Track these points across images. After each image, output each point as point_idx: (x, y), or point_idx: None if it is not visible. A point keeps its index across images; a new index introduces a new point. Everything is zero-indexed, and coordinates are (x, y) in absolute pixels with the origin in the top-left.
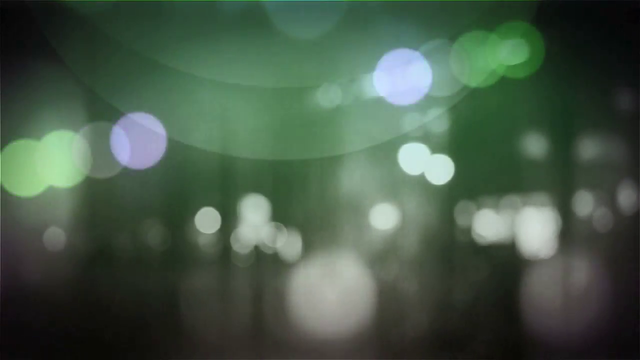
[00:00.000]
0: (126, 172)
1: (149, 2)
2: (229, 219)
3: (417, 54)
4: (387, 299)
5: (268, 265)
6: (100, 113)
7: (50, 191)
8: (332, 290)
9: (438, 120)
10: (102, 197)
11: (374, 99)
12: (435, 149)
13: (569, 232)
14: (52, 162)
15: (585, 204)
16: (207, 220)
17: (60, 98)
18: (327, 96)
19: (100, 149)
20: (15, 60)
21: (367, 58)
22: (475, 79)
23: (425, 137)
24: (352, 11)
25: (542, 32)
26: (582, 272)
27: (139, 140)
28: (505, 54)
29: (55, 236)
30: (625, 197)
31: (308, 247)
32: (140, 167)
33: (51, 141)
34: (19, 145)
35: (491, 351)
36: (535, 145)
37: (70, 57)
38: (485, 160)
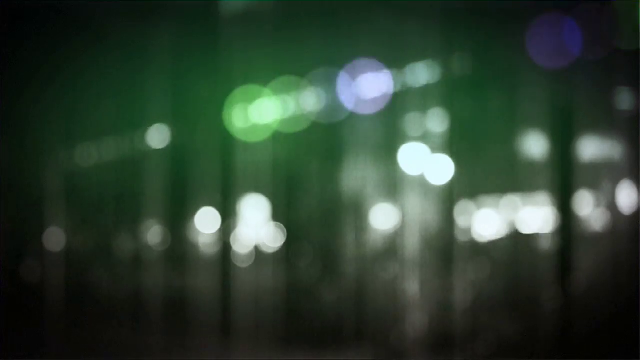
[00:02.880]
0: (353, 116)
1: None
2: (229, 219)
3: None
4: (387, 299)
5: (268, 265)
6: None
7: (277, 136)
8: (332, 290)
9: (438, 120)
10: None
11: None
12: (435, 149)
13: (569, 232)
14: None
15: (585, 204)
16: (207, 220)
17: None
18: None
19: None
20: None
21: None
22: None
23: (425, 137)
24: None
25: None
26: (582, 272)
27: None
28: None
29: (55, 236)
30: (625, 197)
31: (308, 247)
32: (366, 112)
33: (277, 87)
34: (245, 91)
35: (491, 351)
36: (535, 145)
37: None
38: (485, 160)
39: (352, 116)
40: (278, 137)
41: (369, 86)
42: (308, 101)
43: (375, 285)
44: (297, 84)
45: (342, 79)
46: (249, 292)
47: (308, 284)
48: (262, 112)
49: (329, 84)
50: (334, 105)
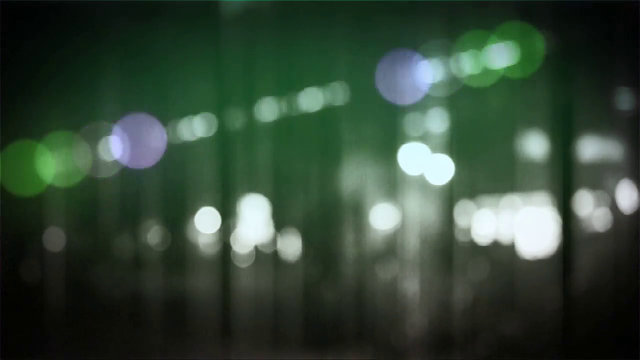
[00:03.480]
0: (126, 172)
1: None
2: (229, 219)
3: (416, 53)
4: (387, 299)
5: (268, 265)
6: (100, 113)
7: (51, 191)
8: (332, 290)
9: (438, 120)
10: (103, 196)
11: (373, 98)
12: (435, 149)
13: (569, 232)
14: (52, 162)
15: (585, 204)
16: (207, 220)
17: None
18: (326, 96)
19: (100, 149)
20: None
21: (367, 58)
22: (476, 79)
23: (425, 137)
24: (350, 11)
25: (541, 33)
26: (582, 272)
27: (139, 141)
28: (505, 54)
29: (55, 236)
30: (625, 197)
31: (308, 247)
32: (139, 167)
33: (51, 141)
34: (19, 146)
35: (491, 351)
36: (535, 145)
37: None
38: (485, 160)
39: (352, 116)
40: (278, 137)
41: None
42: (307, 100)
43: (375, 285)
44: (297, 84)
45: (342, 78)
46: (249, 292)
47: (308, 284)
48: (262, 112)
49: (329, 84)
50: (333, 105)
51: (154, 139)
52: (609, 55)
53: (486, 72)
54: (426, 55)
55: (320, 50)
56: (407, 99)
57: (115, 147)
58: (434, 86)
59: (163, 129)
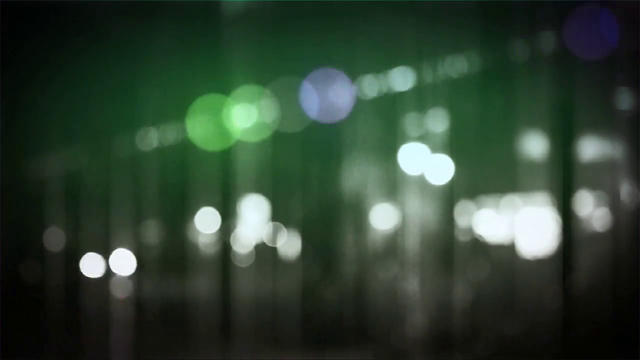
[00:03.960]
0: (315, 125)
1: None
2: (229, 219)
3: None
4: (387, 299)
5: (268, 265)
6: (101, 113)
7: (239, 145)
8: (331, 290)
9: (438, 120)
10: (291, 151)
11: (373, 98)
12: (435, 149)
13: (569, 232)
14: (241, 117)
15: (585, 204)
16: (207, 220)
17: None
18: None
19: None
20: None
21: (367, 58)
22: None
23: (425, 137)
24: (351, 11)
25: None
26: (582, 272)
27: (328, 95)
28: None
29: (55, 236)
30: (625, 197)
31: (308, 247)
32: (329, 121)
33: (239, 96)
34: (207, 100)
35: (491, 351)
36: (535, 145)
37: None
38: (485, 160)
39: (352, 116)
40: (278, 137)
41: (367, 86)
42: (307, 101)
43: (375, 285)
44: (297, 84)
45: (341, 79)
46: (249, 292)
47: (308, 283)
48: (262, 112)
49: (328, 83)
50: (332, 105)
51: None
52: (609, 55)
53: None
54: (427, 54)
55: (320, 50)
56: None
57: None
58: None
59: (163, 129)
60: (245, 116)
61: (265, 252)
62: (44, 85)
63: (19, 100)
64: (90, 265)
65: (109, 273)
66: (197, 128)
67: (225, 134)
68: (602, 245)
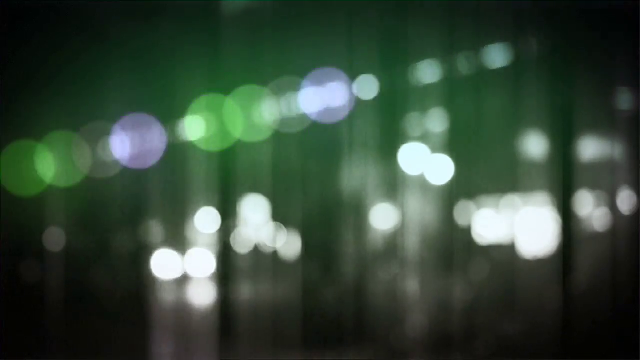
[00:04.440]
0: (126, 172)
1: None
2: (229, 219)
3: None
4: (387, 299)
5: (268, 265)
6: (100, 113)
7: (51, 190)
8: (331, 290)
9: (438, 120)
10: (102, 196)
11: (373, 98)
12: (435, 149)
13: (569, 232)
14: (52, 162)
15: (585, 204)
16: (207, 220)
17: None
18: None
19: (100, 149)
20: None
21: (367, 57)
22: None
23: (425, 137)
24: (351, 10)
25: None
26: (582, 272)
27: (139, 141)
28: None
29: (55, 236)
30: (625, 197)
31: (308, 247)
32: (140, 167)
33: (51, 141)
34: (19, 146)
35: (491, 351)
36: (535, 145)
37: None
38: (485, 160)
39: (352, 116)
40: (278, 137)
41: (367, 87)
42: (307, 101)
43: (375, 285)
44: (297, 84)
45: (341, 78)
46: (249, 292)
47: (308, 284)
48: (262, 112)
49: (329, 83)
50: (333, 105)
51: (154, 139)
52: (609, 55)
53: None
54: (426, 54)
55: (320, 50)
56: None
57: (115, 147)
58: None
59: (163, 129)
60: (245, 116)
61: (265, 253)
62: (44, 86)
63: (19, 100)
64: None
65: (108, 273)
66: (198, 128)
67: (225, 134)
68: (602, 245)
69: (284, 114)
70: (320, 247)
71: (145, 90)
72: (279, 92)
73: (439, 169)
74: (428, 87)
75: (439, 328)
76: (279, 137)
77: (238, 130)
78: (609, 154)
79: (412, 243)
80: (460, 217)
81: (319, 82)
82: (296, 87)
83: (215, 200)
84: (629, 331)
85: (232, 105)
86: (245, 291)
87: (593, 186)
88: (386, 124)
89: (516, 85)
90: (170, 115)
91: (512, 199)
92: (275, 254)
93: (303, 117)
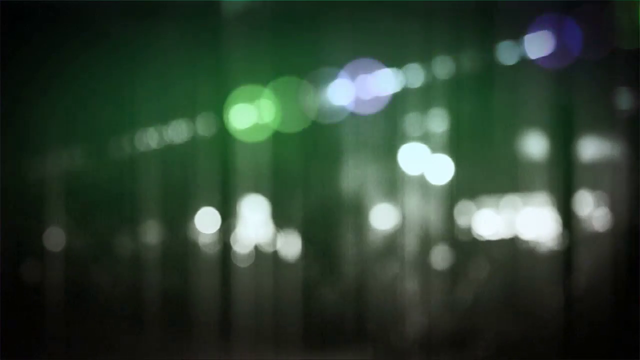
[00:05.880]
0: (353, 116)
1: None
2: (229, 219)
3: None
4: (387, 299)
5: (268, 265)
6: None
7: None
8: (332, 290)
9: (438, 120)
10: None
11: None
12: (435, 149)
13: (569, 232)
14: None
15: (585, 204)
16: (207, 220)
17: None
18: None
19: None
20: (16, 61)
21: (367, 57)
22: None
23: (425, 137)
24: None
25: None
26: (582, 272)
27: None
28: None
29: (55, 236)
30: (625, 197)
31: (308, 247)
32: (366, 112)
33: (277, 87)
34: (244, 91)
35: (491, 351)
36: (535, 145)
37: (68, 56)
38: (485, 160)
39: (352, 116)
40: (278, 137)
41: (368, 86)
42: (308, 101)
43: (375, 285)
44: (297, 84)
45: (342, 78)
46: (249, 292)
47: (308, 284)
48: (262, 112)
49: (329, 83)
50: (334, 105)
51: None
52: (609, 55)
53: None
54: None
55: (320, 50)
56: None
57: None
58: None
59: (161, 129)
60: (245, 116)
61: (265, 252)
62: (44, 85)
63: (19, 100)
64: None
65: (108, 273)
66: (199, 128)
67: (227, 134)
68: (602, 245)
69: (284, 113)
70: (320, 247)
71: (145, 90)
72: (279, 91)
73: (439, 169)
74: (428, 87)
75: (439, 328)
76: (279, 136)
77: (239, 130)
78: (609, 154)
79: (412, 243)
80: (460, 217)
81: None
82: (296, 87)
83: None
84: (629, 331)
85: (270, 97)
86: (245, 291)
87: (593, 186)
88: (387, 124)
89: (516, 85)
90: (170, 116)
91: (512, 199)
92: (275, 254)
93: (303, 117)
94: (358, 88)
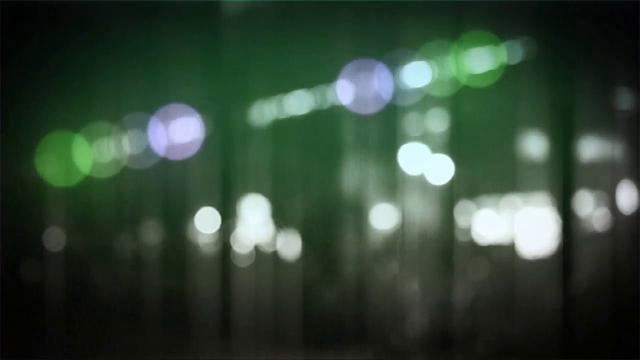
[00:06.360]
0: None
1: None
2: (229, 219)
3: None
4: (387, 299)
5: (268, 265)
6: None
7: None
8: (332, 290)
9: (438, 120)
10: (98, 197)
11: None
12: (435, 149)
13: (569, 232)
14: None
15: (585, 204)
16: (207, 220)
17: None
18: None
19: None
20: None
21: (367, 58)
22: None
23: (425, 137)
24: (351, 10)
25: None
26: (582, 272)
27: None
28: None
29: (55, 236)
30: (625, 197)
31: (308, 247)
32: (178, 159)
33: (88, 133)
34: (55, 138)
35: (491, 351)
36: (535, 145)
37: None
38: (485, 160)
39: (352, 116)
40: (278, 137)
41: (368, 86)
42: (307, 100)
43: (375, 285)
44: (297, 84)
45: (342, 78)
46: (249, 292)
47: (308, 284)
48: (262, 112)
49: (330, 84)
50: (333, 105)
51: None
52: (609, 55)
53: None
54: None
55: (320, 50)
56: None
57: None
58: (431, 86)
59: (164, 129)
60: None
61: (265, 252)
62: (44, 85)
63: (19, 100)
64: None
65: (108, 273)
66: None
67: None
68: (602, 246)
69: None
70: (320, 247)
71: (145, 90)
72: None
73: (439, 169)
74: (428, 87)
75: (439, 328)
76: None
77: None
78: (609, 154)
79: (412, 243)
80: (460, 217)
81: (356, 72)
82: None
83: (215, 201)
84: (629, 331)
85: (230, 105)
86: (244, 291)
87: (593, 186)
88: (387, 124)
89: (516, 85)
90: (169, 115)
91: (512, 199)
92: (275, 254)
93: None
94: (359, 88)
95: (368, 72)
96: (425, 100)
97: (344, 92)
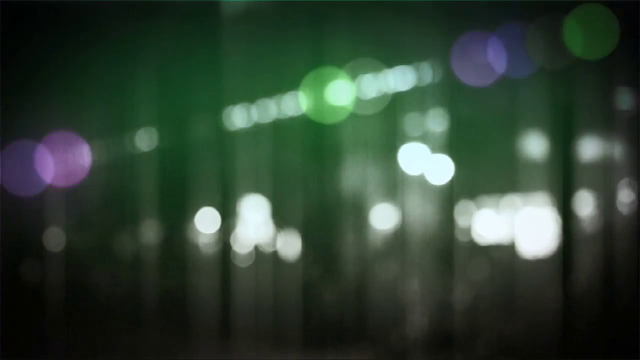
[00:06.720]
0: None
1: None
2: (229, 219)
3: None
4: (387, 299)
5: (268, 265)
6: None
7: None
8: (332, 290)
9: (438, 120)
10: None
11: (373, 98)
12: (435, 149)
13: (569, 232)
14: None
15: (585, 204)
16: (207, 220)
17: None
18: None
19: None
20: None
21: (367, 58)
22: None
23: (425, 137)
24: (351, 10)
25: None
26: (582, 272)
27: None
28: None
29: (55, 236)
30: (625, 197)
31: (308, 247)
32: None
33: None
34: (246, 91)
35: (491, 351)
36: (535, 145)
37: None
38: (485, 160)
39: (352, 116)
40: (278, 137)
41: (369, 86)
42: (307, 100)
43: (375, 285)
44: (297, 84)
45: (343, 78)
46: (249, 292)
47: (308, 284)
48: (261, 112)
49: (330, 84)
50: (333, 105)
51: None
52: (609, 55)
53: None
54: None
55: (320, 50)
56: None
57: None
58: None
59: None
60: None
61: (265, 252)
62: (44, 85)
63: (19, 100)
64: None
65: (108, 273)
66: (201, 128)
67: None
68: (602, 246)
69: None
70: (320, 247)
71: (144, 90)
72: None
73: (439, 169)
74: (428, 87)
75: (439, 328)
76: (279, 132)
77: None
78: (609, 154)
79: (412, 243)
80: (460, 217)
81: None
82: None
83: (215, 201)
84: (629, 331)
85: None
86: (244, 291)
87: (593, 186)
88: (387, 124)
89: (516, 85)
90: (172, 115)
91: (512, 199)
92: (275, 254)
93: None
94: (359, 88)
95: (368, 72)
96: (425, 100)
97: (344, 92)
